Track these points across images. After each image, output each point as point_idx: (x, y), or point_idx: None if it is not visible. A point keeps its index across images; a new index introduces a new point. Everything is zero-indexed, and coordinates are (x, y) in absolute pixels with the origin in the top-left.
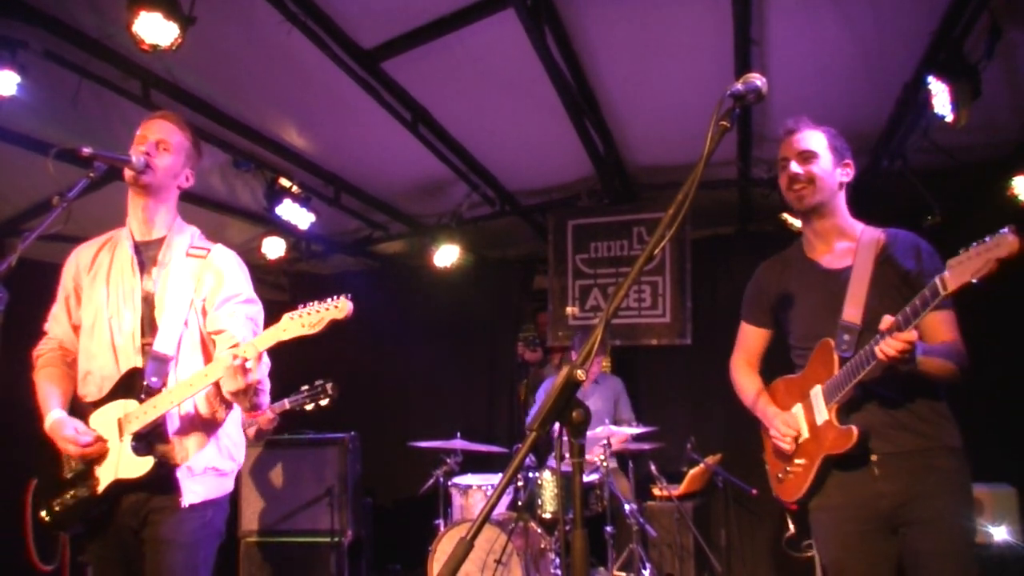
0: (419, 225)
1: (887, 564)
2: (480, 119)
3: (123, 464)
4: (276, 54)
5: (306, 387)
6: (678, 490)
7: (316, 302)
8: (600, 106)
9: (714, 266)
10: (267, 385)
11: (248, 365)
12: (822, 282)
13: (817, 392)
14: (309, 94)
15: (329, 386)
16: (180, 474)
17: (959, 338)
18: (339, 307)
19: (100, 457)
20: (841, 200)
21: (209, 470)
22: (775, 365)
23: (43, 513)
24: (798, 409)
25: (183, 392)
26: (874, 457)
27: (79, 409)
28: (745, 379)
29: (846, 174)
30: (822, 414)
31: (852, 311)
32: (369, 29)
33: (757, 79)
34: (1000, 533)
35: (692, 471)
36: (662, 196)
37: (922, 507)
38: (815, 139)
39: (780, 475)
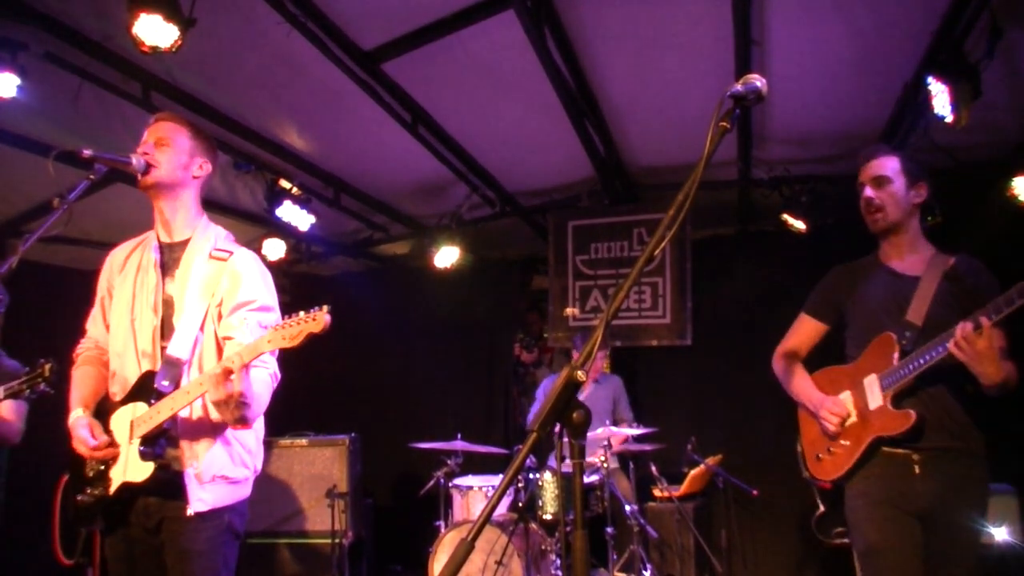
0: (419, 226)
1: (918, 548)
2: (480, 120)
3: (131, 467)
4: (276, 55)
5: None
6: (679, 491)
7: (297, 313)
8: (600, 107)
9: (714, 266)
10: (257, 400)
11: (232, 376)
12: (891, 283)
13: (872, 379)
14: (309, 95)
15: (47, 367)
16: (188, 481)
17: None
18: (316, 320)
19: (114, 458)
20: (914, 220)
21: (219, 478)
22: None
23: (68, 509)
24: (846, 396)
25: (182, 399)
26: (916, 456)
27: (105, 407)
28: (789, 366)
29: (919, 196)
30: (876, 400)
31: (916, 314)
32: (369, 30)
33: (757, 80)
34: (1000, 533)
35: (693, 472)
36: (662, 197)
37: (953, 516)
38: (888, 165)
39: (820, 455)
